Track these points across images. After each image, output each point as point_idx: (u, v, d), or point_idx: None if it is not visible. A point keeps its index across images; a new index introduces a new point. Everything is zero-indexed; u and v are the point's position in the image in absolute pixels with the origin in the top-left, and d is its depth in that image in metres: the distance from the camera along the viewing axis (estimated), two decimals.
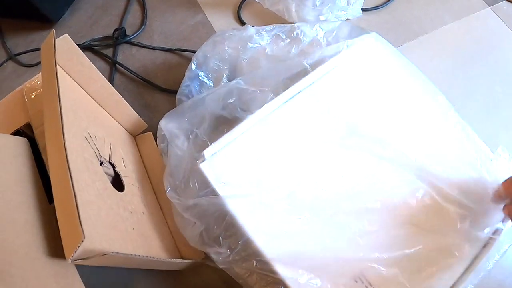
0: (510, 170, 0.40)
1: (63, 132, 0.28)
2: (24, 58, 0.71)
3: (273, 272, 0.33)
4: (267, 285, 0.35)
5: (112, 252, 0.25)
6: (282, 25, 0.50)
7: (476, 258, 0.37)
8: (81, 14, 0.74)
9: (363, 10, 0.70)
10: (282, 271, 0.33)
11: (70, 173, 0.26)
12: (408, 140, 0.41)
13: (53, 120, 0.29)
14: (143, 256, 0.31)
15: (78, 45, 0.68)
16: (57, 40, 0.39)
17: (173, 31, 0.68)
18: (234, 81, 0.41)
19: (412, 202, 0.38)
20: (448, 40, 0.76)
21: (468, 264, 0.37)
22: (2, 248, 0.25)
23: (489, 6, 0.81)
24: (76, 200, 0.25)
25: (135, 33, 0.66)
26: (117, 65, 0.63)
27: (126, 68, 0.62)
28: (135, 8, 0.72)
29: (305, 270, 0.34)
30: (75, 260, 0.25)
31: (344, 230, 0.36)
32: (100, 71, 0.64)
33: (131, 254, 0.30)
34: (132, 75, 0.61)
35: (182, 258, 0.45)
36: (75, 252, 0.24)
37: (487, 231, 0.37)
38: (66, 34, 0.40)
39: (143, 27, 0.67)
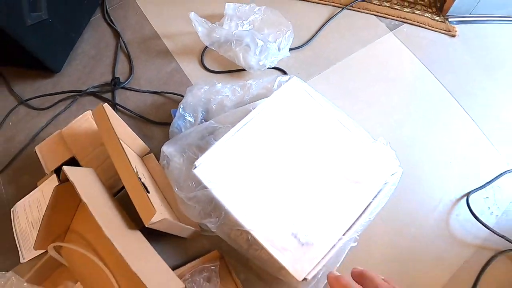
0: (387, 154, 0.73)
1: (129, 160, 0.58)
2: (34, 103, 0.93)
3: (241, 226, 0.64)
4: (241, 234, 0.66)
5: (167, 218, 0.56)
6: (238, 82, 0.81)
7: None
8: (77, 64, 0.99)
9: (291, 49, 0.99)
10: (247, 224, 0.64)
11: (139, 178, 0.56)
12: (319, 152, 0.73)
13: (121, 157, 0.59)
14: (178, 223, 0.62)
15: (81, 90, 0.94)
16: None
17: (155, 77, 0.96)
18: (208, 122, 0.72)
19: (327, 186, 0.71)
20: (356, 64, 1.01)
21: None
22: (112, 228, 0.54)
23: (391, 31, 1.06)
24: (147, 191, 0.55)
25: (126, 80, 0.94)
26: (118, 106, 0.91)
27: (125, 108, 0.90)
28: (122, 58, 0.99)
29: (265, 221, 0.65)
30: (150, 224, 0.55)
31: (290, 198, 0.68)
32: None
33: (174, 220, 0.61)
34: (131, 113, 0.90)
35: None
36: (151, 220, 0.54)
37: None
38: (106, 104, 0.68)
39: (132, 75, 0.95)
